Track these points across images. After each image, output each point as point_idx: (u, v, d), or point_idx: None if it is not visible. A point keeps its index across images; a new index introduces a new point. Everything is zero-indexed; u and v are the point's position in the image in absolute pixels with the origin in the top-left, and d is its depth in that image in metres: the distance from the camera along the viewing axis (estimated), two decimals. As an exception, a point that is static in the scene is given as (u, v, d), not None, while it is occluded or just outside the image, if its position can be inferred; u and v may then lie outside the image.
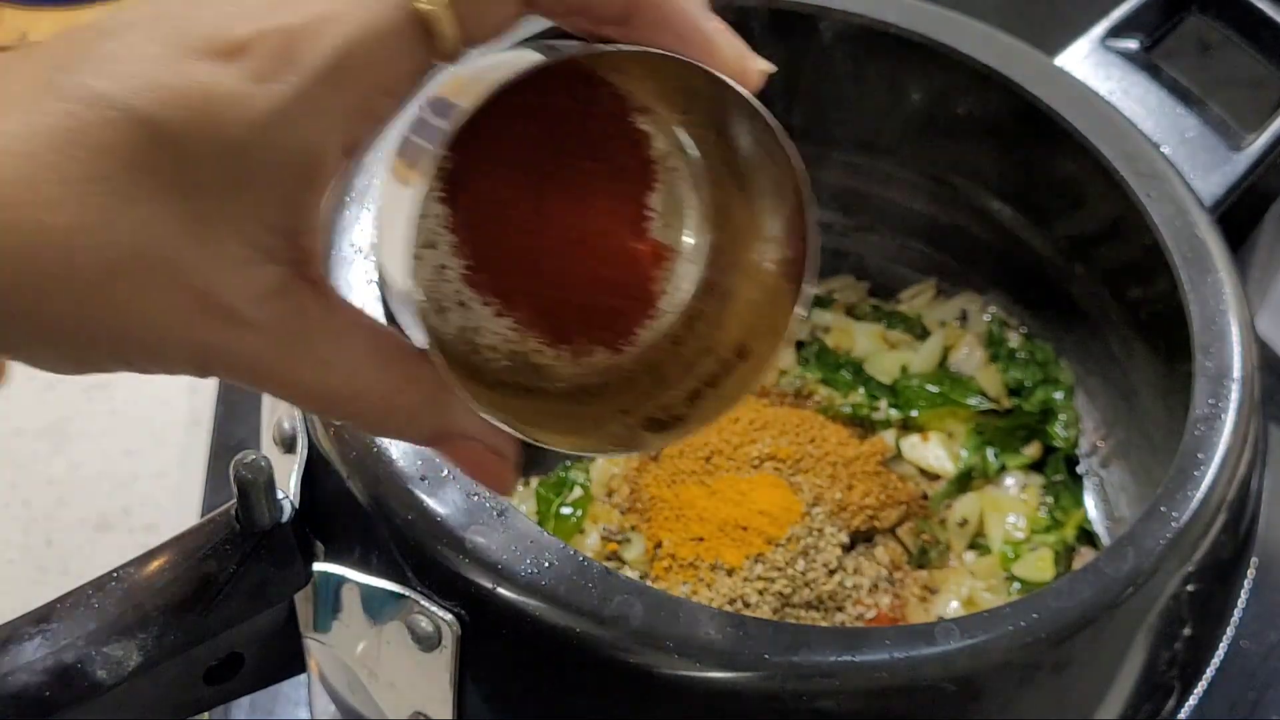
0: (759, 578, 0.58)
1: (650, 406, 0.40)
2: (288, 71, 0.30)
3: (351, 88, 0.31)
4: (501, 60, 0.33)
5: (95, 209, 0.29)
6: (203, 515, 0.48)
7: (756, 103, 0.34)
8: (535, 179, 0.37)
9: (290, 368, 0.32)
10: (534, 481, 0.64)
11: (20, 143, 0.29)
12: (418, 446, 0.44)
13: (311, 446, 0.46)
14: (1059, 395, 0.66)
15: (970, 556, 0.63)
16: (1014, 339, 0.69)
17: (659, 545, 0.59)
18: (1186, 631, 0.48)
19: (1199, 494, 0.46)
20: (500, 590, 0.42)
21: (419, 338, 0.34)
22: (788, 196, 0.36)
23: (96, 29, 0.31)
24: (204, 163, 0.30)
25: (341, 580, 0.45)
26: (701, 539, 0.59)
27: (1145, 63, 0.62)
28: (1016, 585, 0.61)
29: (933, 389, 0.67)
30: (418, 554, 0.43)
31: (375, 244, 0.36)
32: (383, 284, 0.37)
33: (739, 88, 0.34)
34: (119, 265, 0.29)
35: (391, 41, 0.31)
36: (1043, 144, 0.60)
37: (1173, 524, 0.46)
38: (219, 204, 0.30)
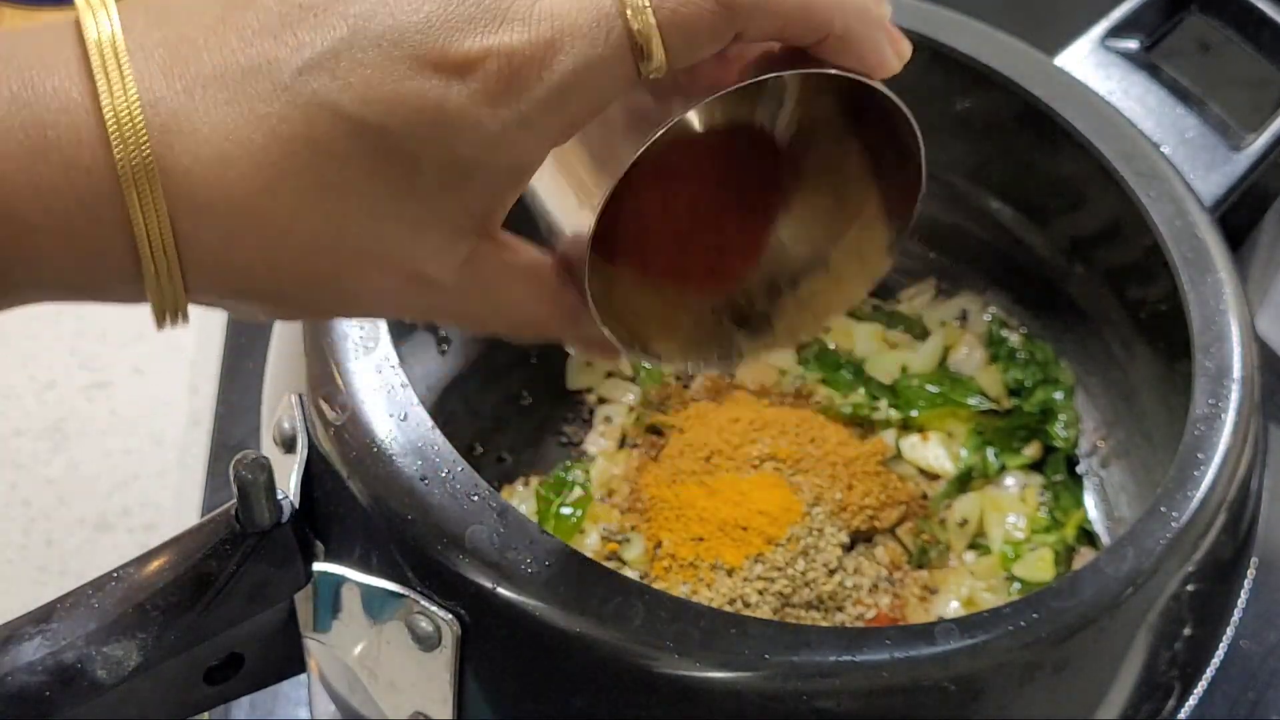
0: (759, 578, 0.58)
1: (728, 293, 0.42)
2: (515, 98, 0.32)
3: (569, 111, 0.33)
4: None
5: (332, 216, 0.32)
6: (203, 515, 0.48)
7: (903, 105, 0.37)
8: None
9: (469, 312, 0.37)
10: (534, 481, 0.64)
11: (261, 152, 0.31)
12: (417, 446, 0.44)
13: (311, 446, 0.46)
14: (1059, 395, 0.66)
15: (970, 556, 0.63)
16: (1014, 339, 0.69)
17: (659, 545, 0.59)
18: (1186, 631, 0.48)
19: (1199, 494, 0.46)
20: (500, 590, 0.42)
21: (578, 265, 0.37)
22: (898, 155, 0.40)
23: (302, 12, 0.31)
24: (429, 172, 0.32)
25: (341, 580, 0.45)
26: (701, 539, 0.59)
27: (1145, 63, 0.62)
28: (1016, 585, 0.61)
29: (933, 389, 0.67)
30: (418, 554, 0.43)
31: (546, 179, 0.39)
32: (544, 214, 0.40)
33: (896, 99, 0.37)
34: (350, 262, 0.33)
35: (609, 69, 0.33)
36: (1043, 144, 0.60)
37: (1173, 524, 0.46)
38: (436, 204, 0.33)
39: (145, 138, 0.30)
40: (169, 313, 0.32)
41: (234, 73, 0.31)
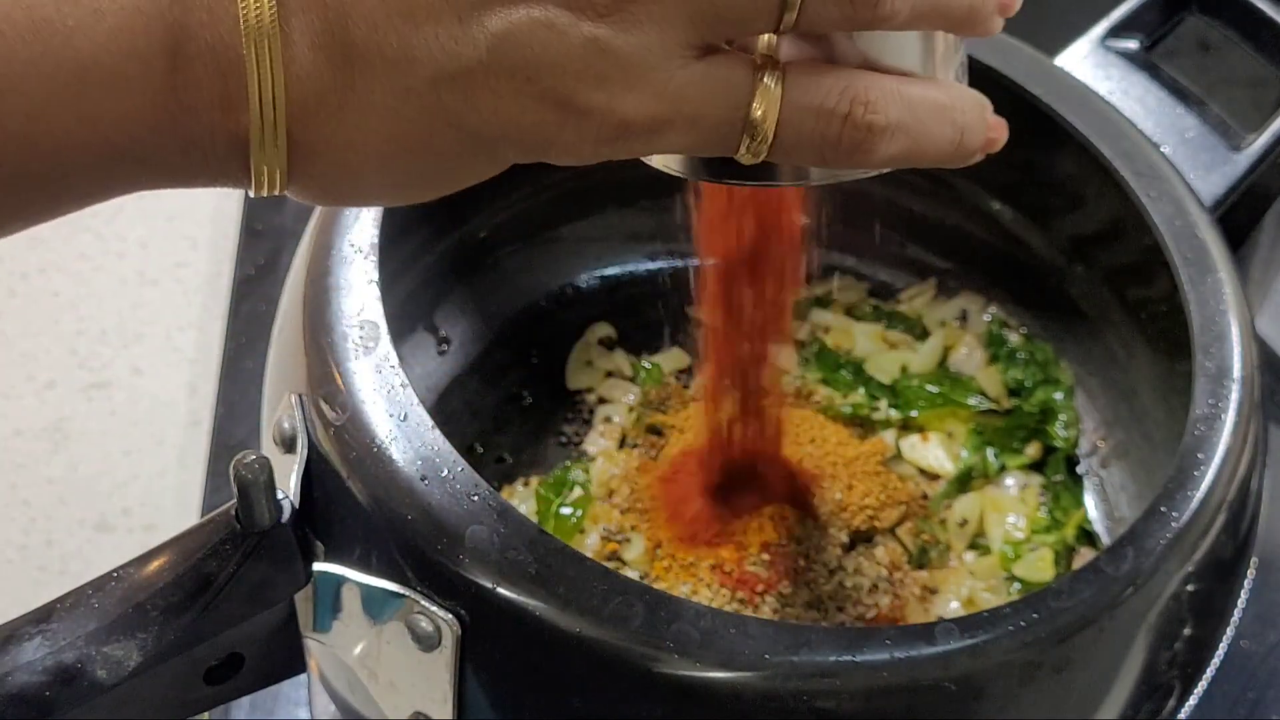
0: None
1: None
2: (614, 146, 0.35)
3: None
4: None
5: (422, 188, 0.36)
6: (203, 515, 0.48)
7: None
8: None
9: None
10: (534, 481, 0.64)
11: (381, 142, 0.34)
12: (417, 447, 0.44)
13: (311, 446, 0.46)
14: (1059, 395, 0.66)
15: (970, 556, 0.63)
16: (1014, 339, 0.69)
17: (659, 545, 0.59)
18: (1186, 631, 0.48)
19: (1199, 494, 0.46)
20: (500, 590, 0.42)
21: None
22: None
23: (447, 6, 0.33)
24: (513, 160, 0.35)
25: (341, 580, 0.45)
26: (701, 539, 0.59)
27: (1145, 63, 0.62)
28: (1016, 585, 0.61)
29: (933, 389, 0.67)
30: (418, 554, 0.43)
31: None
32: None
33: None
34: (423, 194, 0.36)
35: (708, 150, 0.35)
36: (1043, 144, 0.60)
37: (1173, 524, 0.46)
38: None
39: (273, 11, 0.32)
40: (269, 177, 0.34)
41: (376, 60, 0.33)
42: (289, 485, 0.45)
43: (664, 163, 0.39)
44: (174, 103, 0.33)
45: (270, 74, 0.32)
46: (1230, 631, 0.51)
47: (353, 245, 0.50)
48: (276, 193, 0.35)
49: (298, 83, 0.33)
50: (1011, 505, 0.64)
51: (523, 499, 0.63)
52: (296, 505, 0.45)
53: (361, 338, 0.47)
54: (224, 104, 0.33)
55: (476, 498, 0.43)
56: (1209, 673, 0.50)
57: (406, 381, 0.46)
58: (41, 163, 0.32)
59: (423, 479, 0.44)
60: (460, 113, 0.33)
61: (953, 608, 0.60)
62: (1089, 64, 0.62)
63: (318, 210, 0.53)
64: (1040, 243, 0.66)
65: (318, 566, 0.45)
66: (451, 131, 0.34)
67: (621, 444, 0.66)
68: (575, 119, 0.34)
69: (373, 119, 0.33)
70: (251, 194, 0.35)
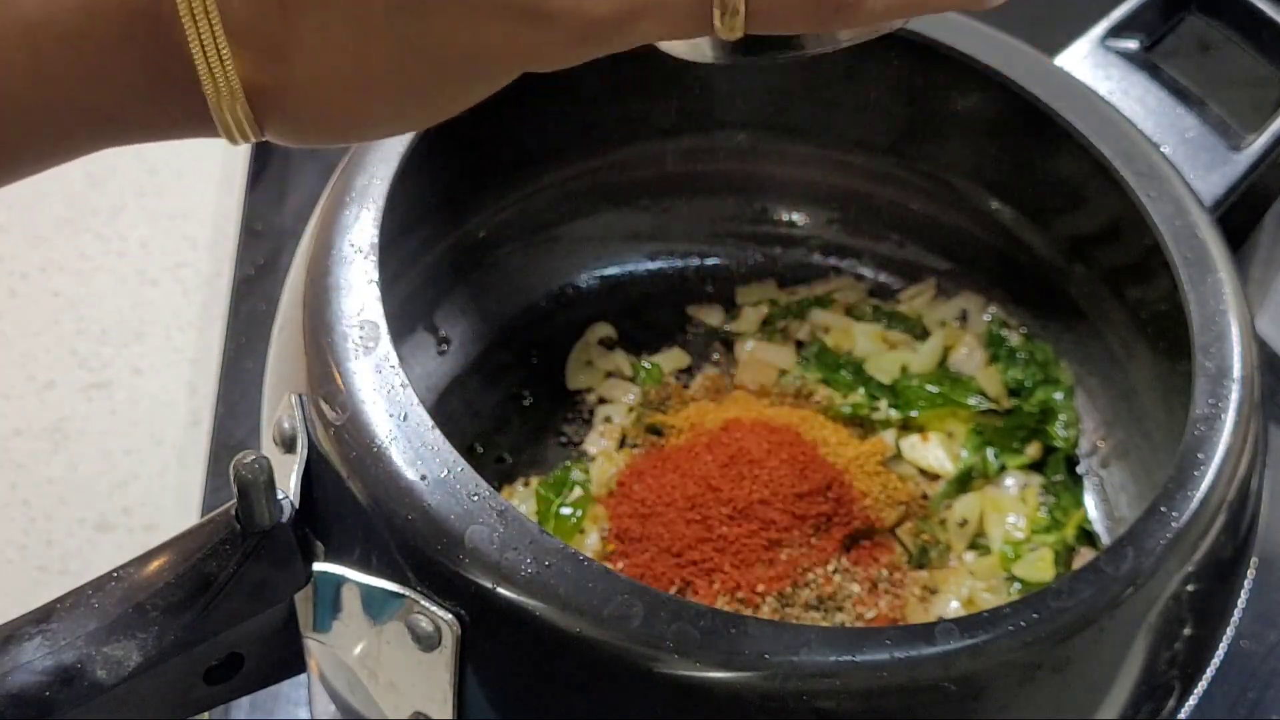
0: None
1: None
2: (588, 46, 0.33)
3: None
4: None
5: (434, 115, 0.35)
6: (203, 515, 0.48)
7: None
8: None
9: None
10: (534, 481, 0.64)
11: (359, 78, 0.33)
12: (417, 447, 0.44)
13: (311, 446, 0.46)
14: (1059, 395, 0.66)
15: (970, 556, 0.63)
16: (1014, 339, 0.69)
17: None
18: (1186, 631, 0.48)
19: (1199, 494, 0.46)
20: (500, 590, 0.42)
21: None
22: None
23: None
24: (504, 76, 0.35)
25: (341, 580, 0.45)
26: (701, 539, 0.59)
27: (1145, 63, 0.62)
28: (1016, 585, 0.61)
29: (933, 389, 0.67)
30: (418, 554, 0.43)
31: None
32: None
33: None
34: (388, 128, 0.36)
35: (684, 32, 0.34)
36: (1043, 144, 0.60)
37: (1173, 524, 0.46)
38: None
39: None
40: (237, 127, 0.34)
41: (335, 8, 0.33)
42: (289, 485, 0.45)
43: (673, 49, 0.38)
44: (135, 61, 0.33)
45: (210, 27, 0.32)
46: (1230, 631, 0.51)
47: (353, 245, 0.50)
48: (252, 140, 0.35)
49: (239, 32, 0.33)
50: (1011, 505, 0.64)
51: (523, 499, 0.63)
52: (296, 505, 0.45)
53: (361, 338, 0.47)
54: (179, 59, 0.33)
55: (476, 498, 0.43)
56: (1209, 673, 0.50)
57: (406, 381, 0.46)
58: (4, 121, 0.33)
59: (423, 479, 0.44)
60: (420, 39, 0.33)
61: (953, 608, 0.60)
62: (1089, 64, 0.62)
63: (318, 210, 0.53)
64: (1040, 243, 0.66)
65: (318, 566, 0.45)
66: (421, 58, 0.33)
67: (621, 444, 0.66)
68: (540, 26, 0.33)
69: (336, 56, 0.33)
70: (227, 143, 0.35)
